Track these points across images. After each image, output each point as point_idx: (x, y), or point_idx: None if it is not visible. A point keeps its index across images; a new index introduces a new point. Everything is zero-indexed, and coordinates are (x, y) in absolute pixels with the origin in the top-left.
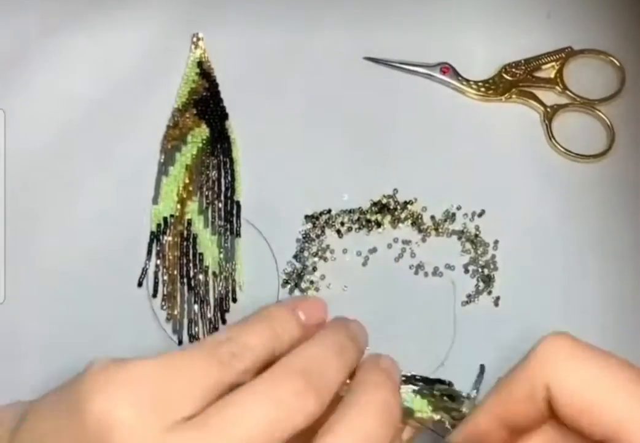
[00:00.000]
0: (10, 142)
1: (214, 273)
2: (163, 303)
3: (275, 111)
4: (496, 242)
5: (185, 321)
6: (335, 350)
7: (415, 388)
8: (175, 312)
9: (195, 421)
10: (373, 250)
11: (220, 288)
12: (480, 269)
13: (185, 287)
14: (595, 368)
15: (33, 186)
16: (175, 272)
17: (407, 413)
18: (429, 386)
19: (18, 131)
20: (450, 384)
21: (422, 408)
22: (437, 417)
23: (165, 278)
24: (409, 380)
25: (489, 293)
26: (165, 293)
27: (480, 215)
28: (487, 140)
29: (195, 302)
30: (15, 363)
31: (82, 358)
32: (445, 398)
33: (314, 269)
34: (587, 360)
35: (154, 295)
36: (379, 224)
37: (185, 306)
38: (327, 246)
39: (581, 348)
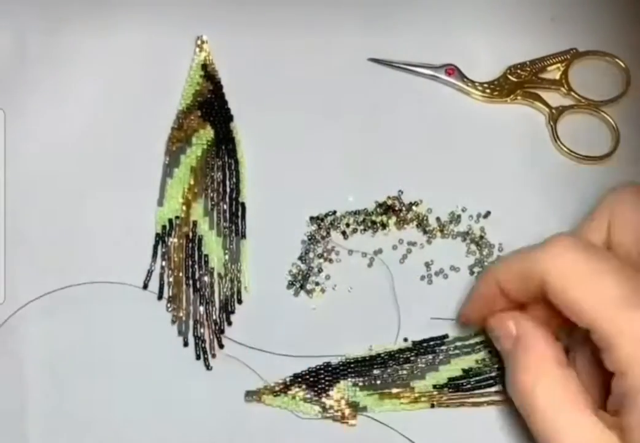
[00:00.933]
0: (10, 142)
1: (219, 275)
2: (168, 305)
3: (280, 112)
4: (501, 244)
5: (191, 323)
6: None
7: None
8: (181, 314)
9: None
10: (378, 251)
11: (225, 290)
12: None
13: (191, 289)
14: (584, 269)
15: (34, 186)
16: (181, 274)
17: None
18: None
19: (18, 131)
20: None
21: (371, 403)
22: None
23: (171, 279)
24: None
25: None
26: (170, 294)
27: (485, 217)
28: (492, 141)
29: (201, 304)
30: (15, 363)
31: (83, 359)
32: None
33: (320, 270)
34: (579, 261)
35: (160, 297)
36: (384, 226)
37: (191, 308)
38: (333, 247)
39: (580, 248)
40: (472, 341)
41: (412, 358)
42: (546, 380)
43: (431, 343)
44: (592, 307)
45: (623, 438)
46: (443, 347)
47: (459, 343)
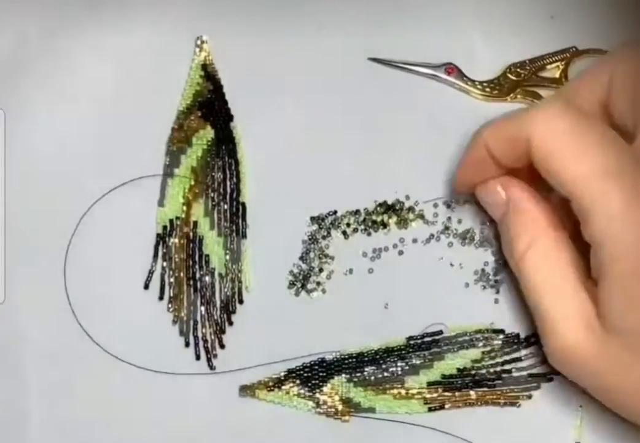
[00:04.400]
0: (11, 142)
1: (220, 275)
2: (169, 306)
3: (280, 112)
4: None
5: (192, 323)
6: None
7: None
8: (182, 314)
9: None
10: (379, 251)
11: (226, 290)
12: (486, 269)
13: (192, 289)
14: (569, 139)
15: (34, 186)
16: (182, 274)
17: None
18: None
19: (18, 131)
20: None
21: (365, 399)
22: None
23: (172, 280)
24: None
25: (497, 292)
26: (171, 295)
27: (486, 215)
28: None
29: (202, 304)
30: (16, 363)
31: (84, 359)
32: None
33: (321, 270)
34: (564, 131)
35: (161, 297)
36: (384, 225)
37: (192, 308)
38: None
39: (569, 116)
40: (466, 337)
41: (406, 355)
42: (538, 244)
43: (425, 339)
44: (572, 178)
45: (597, 310)
46: (438, 343)
47: (453, 339)
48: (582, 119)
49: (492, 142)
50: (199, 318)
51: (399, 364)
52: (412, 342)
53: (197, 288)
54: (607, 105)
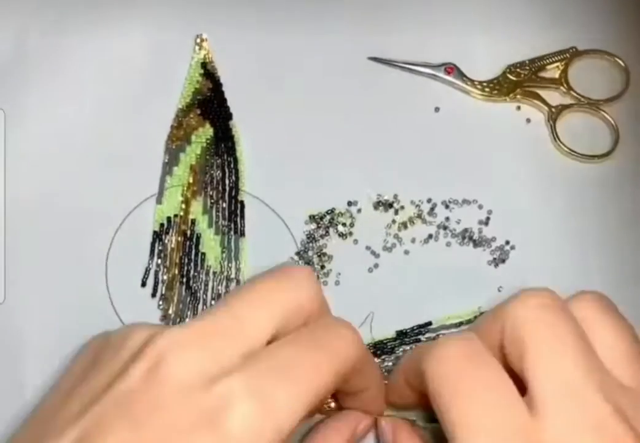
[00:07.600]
0: (10, 142)
1: (214, 273)
2: (160, 303)
3: (279, 110)
4: (500, 242)
5: (178, 321)
6: None
7: None
8: (170, 311)
9: None
10: (378, 250)
11: (219, 288)
12: (484, 269)
13: (184, 287)
14: (456, 382)
15: (33, 186)
16: (176, 272)
17: None
18: None
19: (18, 131)
20: None
21: None
22: None
23: (165, 277)
24: None
25: (499, 290)
26: (163, 292)
27: (484, 215)
28: (492, 140)
29: (190, 302)
30: (16, 363)
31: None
32: None
33: (322, 267)
34: (453, 373)
35: (153, 295)
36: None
37: (181, 305)
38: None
39: (460, 360)
40: (455, 329)
41: (396, 348)
42: None
43: (415, 331)
44: (450, 423)
45: None
46: (427, 335)
47: (444, 331)
48: (474, 363)
49: (406, 370)
50: (189, 316)
51: (390, 358)
52: (401, 335)
53: (189, 286)
54: (503, 352)
